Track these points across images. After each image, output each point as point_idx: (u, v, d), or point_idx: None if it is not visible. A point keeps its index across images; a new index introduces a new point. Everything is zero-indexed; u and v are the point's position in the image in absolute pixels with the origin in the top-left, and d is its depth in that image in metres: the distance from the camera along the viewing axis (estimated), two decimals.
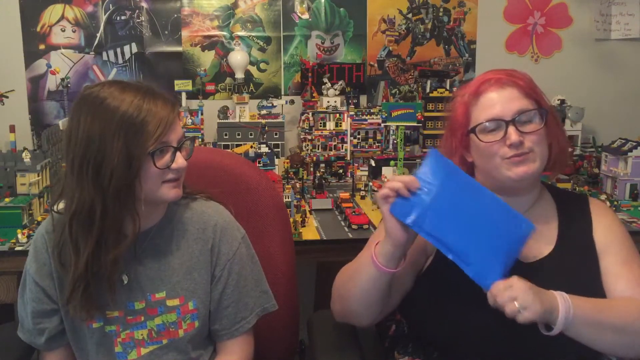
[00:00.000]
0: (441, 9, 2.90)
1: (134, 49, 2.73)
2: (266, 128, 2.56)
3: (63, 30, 2.68)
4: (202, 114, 2.65)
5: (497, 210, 1.21)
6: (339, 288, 1.37)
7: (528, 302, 1.10)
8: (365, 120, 2.71)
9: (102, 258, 1.21)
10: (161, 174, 1.22)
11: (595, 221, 1.38)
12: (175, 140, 1.23)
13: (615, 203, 2.28)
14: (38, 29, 2.66)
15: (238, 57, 2.71)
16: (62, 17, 2.67)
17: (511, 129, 1.28)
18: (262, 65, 2.83)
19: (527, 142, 1.29)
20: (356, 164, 2.67)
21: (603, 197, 2.33)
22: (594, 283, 1.31)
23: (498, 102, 1.31)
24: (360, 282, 1.29)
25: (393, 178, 1.25)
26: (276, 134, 2.69)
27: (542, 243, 1.34)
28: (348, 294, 1.33)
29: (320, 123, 2.68)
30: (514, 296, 1.11)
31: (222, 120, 2.69)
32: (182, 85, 2.66)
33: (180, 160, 1.24)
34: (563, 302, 1.15)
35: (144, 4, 2.71)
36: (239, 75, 2.72)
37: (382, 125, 2.71)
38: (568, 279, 1.27)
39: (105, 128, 1.16)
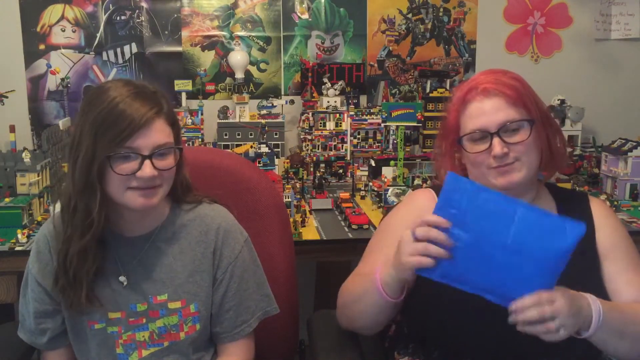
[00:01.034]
0: (441, 9, 2.90)
1: (134, 49, 2.73)
2: (266, 128, 2.56)
3: (63, 30, 2.68)
4: (202, 114, 2.65)
5: (531, 231, 1.07)
6: (344, 308, 1.38)
7: (567, 324, 1.09)
8: (365, 120, 2.71)
9: (70, 250, 1.23)
10: (124, 180, 1.19)
11: (597, 222, 1.38)
12: (146, 147, 1.18)
13: (615, 203, 2.28)
14: (38, 29, 2.66)
15: (238, 57, 2.71)
16: (62, 17, 2.67)
17: (496, 141, 1.28)
18: (262, 65, 2.83)
19: (512, 152, 1.29)
20: (356, 164, 2.67)
21: (603, 197, 2.33)
22: (595, 285, 1.30)
23: (483, 112, 1.30)
24: (366, 307, 1.29)
25: (413, 246, 1.12)
26: (276, 134, 2.69)
27: None
28: (355, 315, 1.34)
29: (320, 123, 2.68)
30: (554, 314, 1.08)
31: (222, 120, 2.69)
32: (182, 85, 2.66)
33: (147, 170, 1.17)
34: (596, 312, 1.15)
35: (144, 4, 2.71)
36: (239, 75, 2.72)
37: (382, 125, 2.71)
38: (568, 279, 1.27)
39: (83, 128, 1.19)
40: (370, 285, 1.26)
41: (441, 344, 1.34)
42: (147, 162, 1.18)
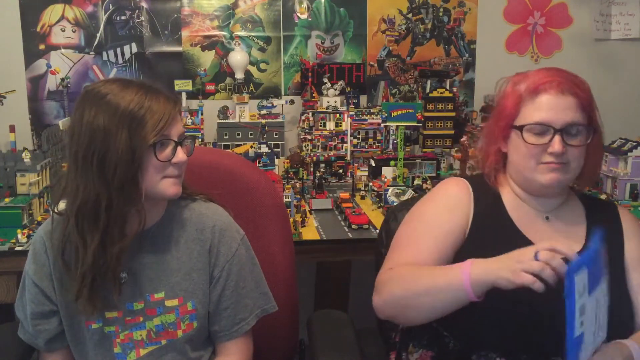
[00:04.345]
0: (441, 9, 2.90)
1: (134, 49, 2.73)
2: (266, 128, 2.56)
3: (63, 30, 2.68)
4: (202, 114, 2.65)
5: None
6: (401, 299, 1.27)
7: None
8: (365, 120, 2.71)
9: (108, 251, 1.21)
10: (162, 168, 1.23)
11: (627, 232, 1.38)
12: (176, 135, 1.25)
13: (615, 203, 2.28)
14: (38, 29, 2.66)
15: (238, 57, 2.71)
16: (62, 17, 2.67)
17: (557, 138, 1.29)
18: (262, 65, 2.83)
19: (568, 154, 1.30)
20: (356, 164, 2.67)
21: (603, 197, 2.33)
22: (620, 295, 1.29)
23: (553, 107, 1.30)
24: (440, 301, 1.22)
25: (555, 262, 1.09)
26: (276, 134, 2.69)
27: (571, 241, 1.33)
28: (420, 307, 1.25)
29: (320, 123, 2.68)
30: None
31: (222, 120, 2.69)
32: (182, 85, 2.66)
33: (180, 155, 1.25)
34: None
35: (144, 4, 2.71)
36: (239, 75, 2.72)
37: (382, 125, 2.71)
38: None
39: (109, 120, 1.17)
40: (452, 282, 1.19)
41: (458, 335, 1.33)
42: (179, 148, 1.25)
